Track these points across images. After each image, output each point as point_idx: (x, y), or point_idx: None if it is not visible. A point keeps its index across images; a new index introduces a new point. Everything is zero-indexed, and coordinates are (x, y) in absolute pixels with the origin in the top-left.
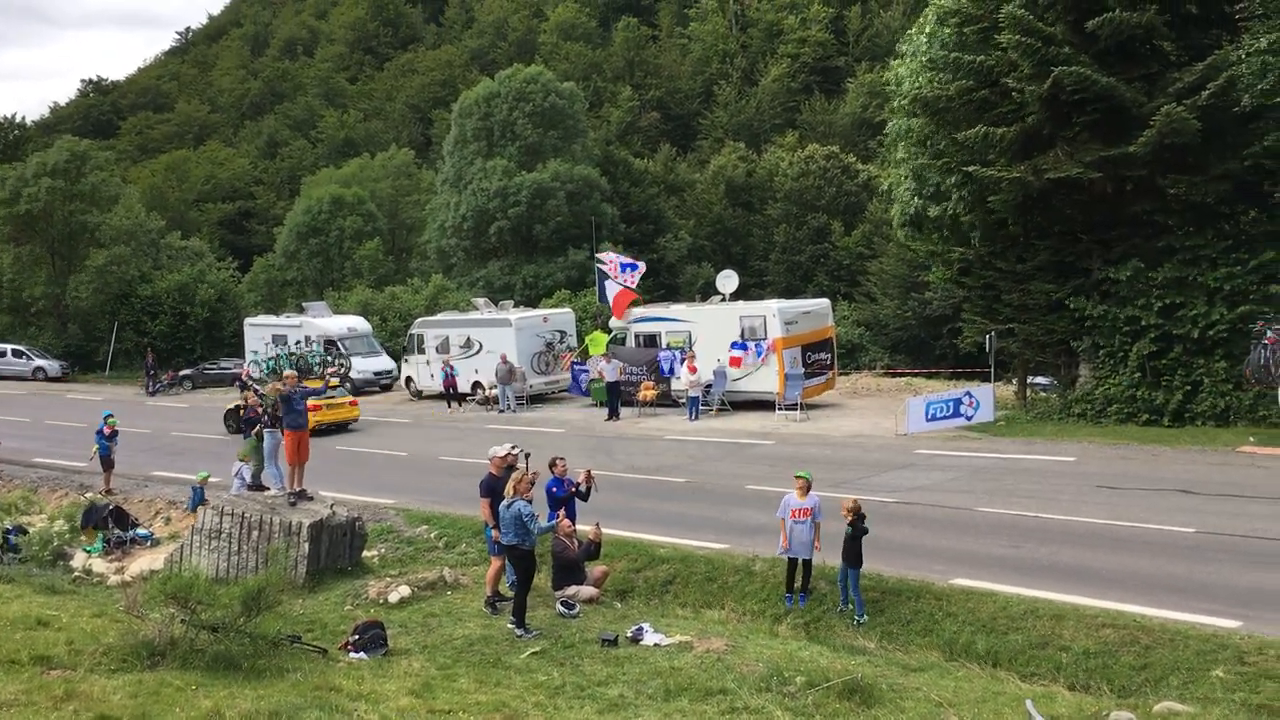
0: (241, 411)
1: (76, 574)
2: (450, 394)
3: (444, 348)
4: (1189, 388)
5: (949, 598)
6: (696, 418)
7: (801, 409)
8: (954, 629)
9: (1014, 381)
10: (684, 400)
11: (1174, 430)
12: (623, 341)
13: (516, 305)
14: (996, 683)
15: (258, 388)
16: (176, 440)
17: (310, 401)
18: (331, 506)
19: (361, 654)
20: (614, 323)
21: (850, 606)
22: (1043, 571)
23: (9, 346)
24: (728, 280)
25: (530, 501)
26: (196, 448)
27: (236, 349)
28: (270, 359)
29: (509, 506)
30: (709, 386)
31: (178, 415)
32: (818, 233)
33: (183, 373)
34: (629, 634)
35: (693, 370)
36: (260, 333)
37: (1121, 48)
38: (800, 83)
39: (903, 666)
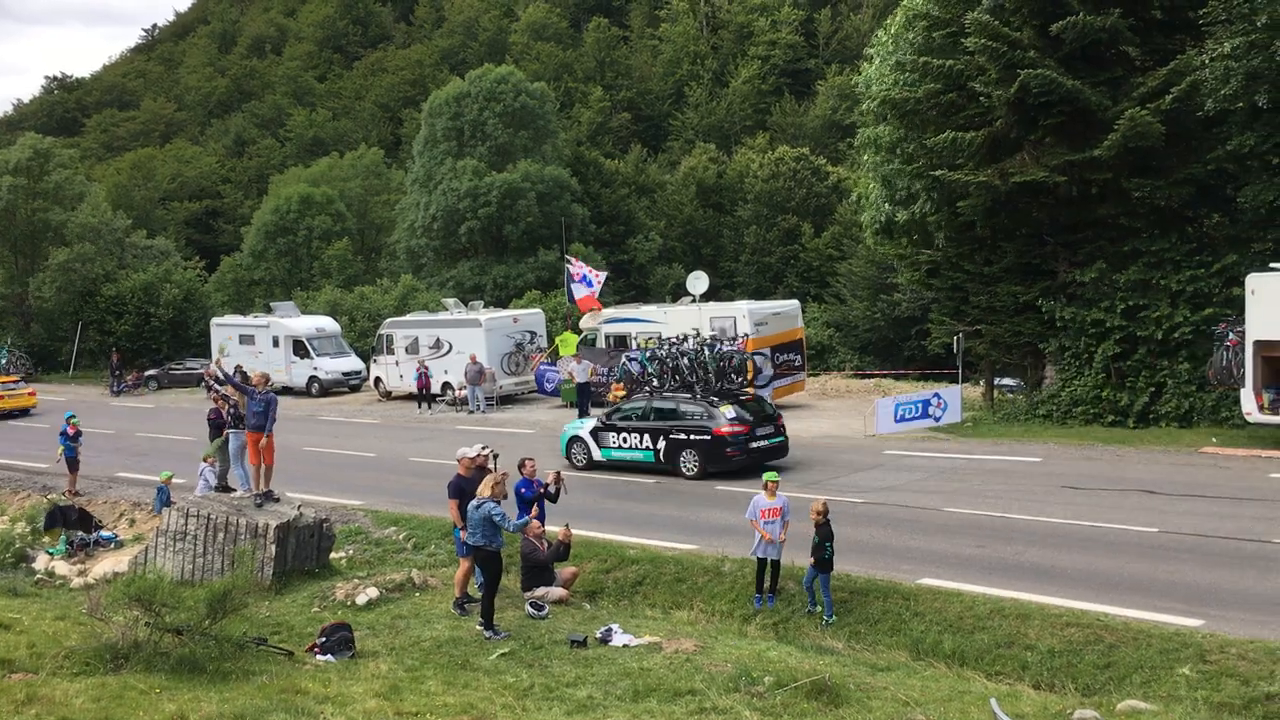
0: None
1: (39, 576)
2: (423, 395)
3: (413, 348)
4: (1153, 389)
5: (916, 597)
6: None
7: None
8: (921, 629)
9: (981, 383)
10: None
11: (1138, 431)
12: (593, 343)
13: (486, 306)
14: (963, 682)
15: (219, 388)
16: (141, 441)
17: None
18: (299, 508)
19: (328, 656)
20: (584, 323)
21: (819, 609)
22: (1009, 571)
23: None
24: (698, 281)
25: (499, 502)
26: (161, 448)
27: (203, 349)
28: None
29: (478, 507)
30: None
31: (143, 416)
32: (788, 234)
33: (148, 373)
34: (598, 635)
35: None
36: (227, 333)
37: (1086, 52)
38: (771, 85)
39: (870, 666)
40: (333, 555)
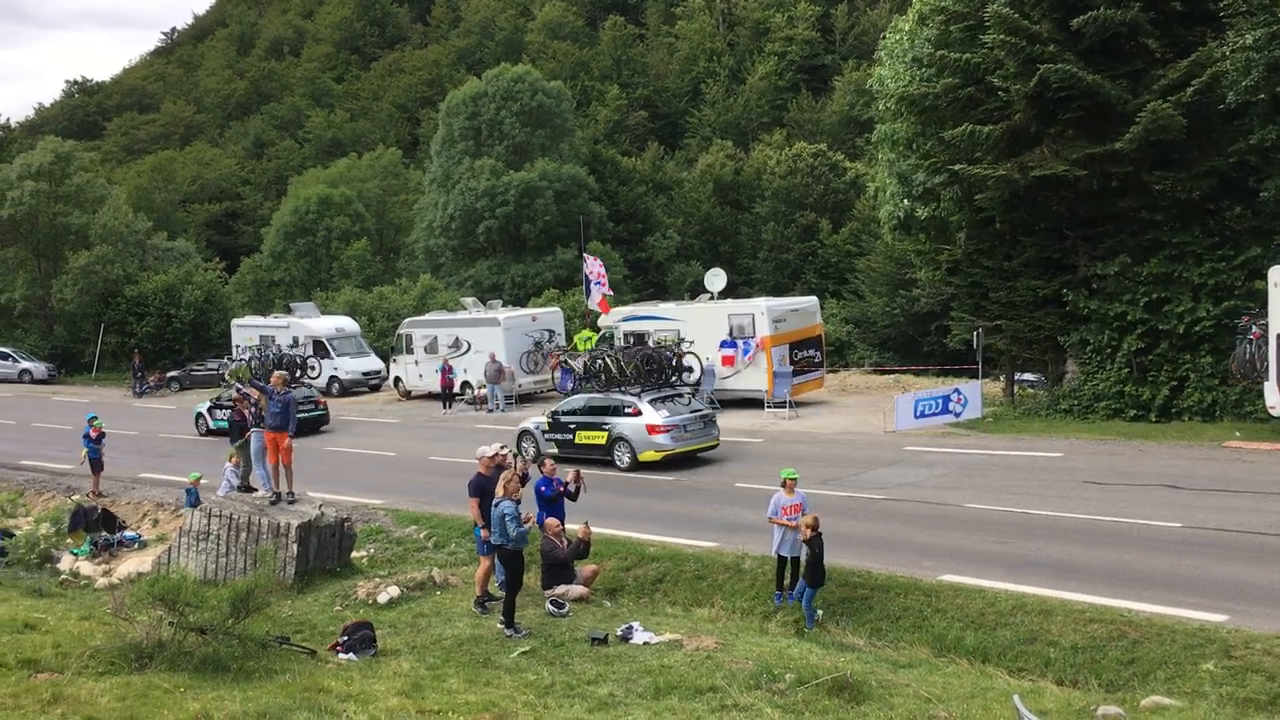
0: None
1: (64, 577)
2: (447, 394)
3: (432, 348)
4: (1175, 383)
5: (938, 594)
6: None
7: (790, 407)
8: (943, 625)
9: (1002, 378)
10: None
11: (1160, 425)
12: (611, 340)
13: (505, 305)
14: (985, 678)
15: (242, 387)
16: (164, 442)
17: None
18: (320, 507)
19: (350, 655)
20: (602, 321)
21: (816, 627)
22: (1030, 567)
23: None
24: (716, 279)
25: (519, 501)
26: (184, 449)
27: (224, 350)
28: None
29: (496, 506)
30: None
31: (165, 417)
32: (806, 231)
33: (170, 374)
34: (619, 632)
35: None
36: (247, 333)
37: (1106, 45)
38: (788, 81)
39: (892, 663)
40: (354, 554)
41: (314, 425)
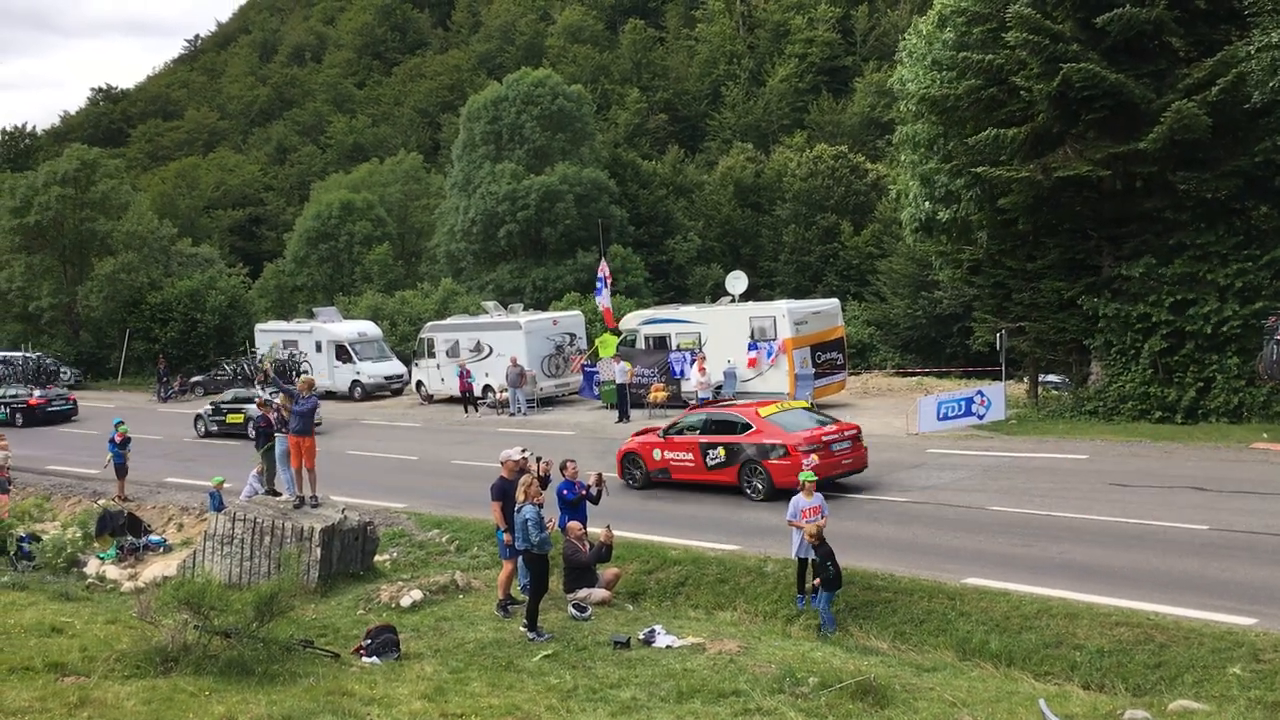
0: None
1: (90, 581)
2: (466, 398)
3: (454, 352)
4: (1201, 384)
5: (962, 597)
6: None
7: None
8: (967, 628)
9: (1025, 380)
10: (694, 401)
11: (1187, 427)
12: (633, 344)
13: (526, 308)
14: (1010, 682)
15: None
16: (188, 446)
17: None
18: (343, 511)
19: (374, 658)
20: (623, 324)
21: (836, 631)
22: (1056, 570)
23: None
24: (737, 281)
25: (541, 505)
26: (209, 454)
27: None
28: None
29: (519, 511)
30: (719, 387)
31: (189, 422)
32: (827, 233)
33: (194, 379)
34: (641, 636)
35: (702, 371)
36: (271, 338)
37: (1130, 44)
38: (808, 83)
39: (916, 667)
40: (377, 558)
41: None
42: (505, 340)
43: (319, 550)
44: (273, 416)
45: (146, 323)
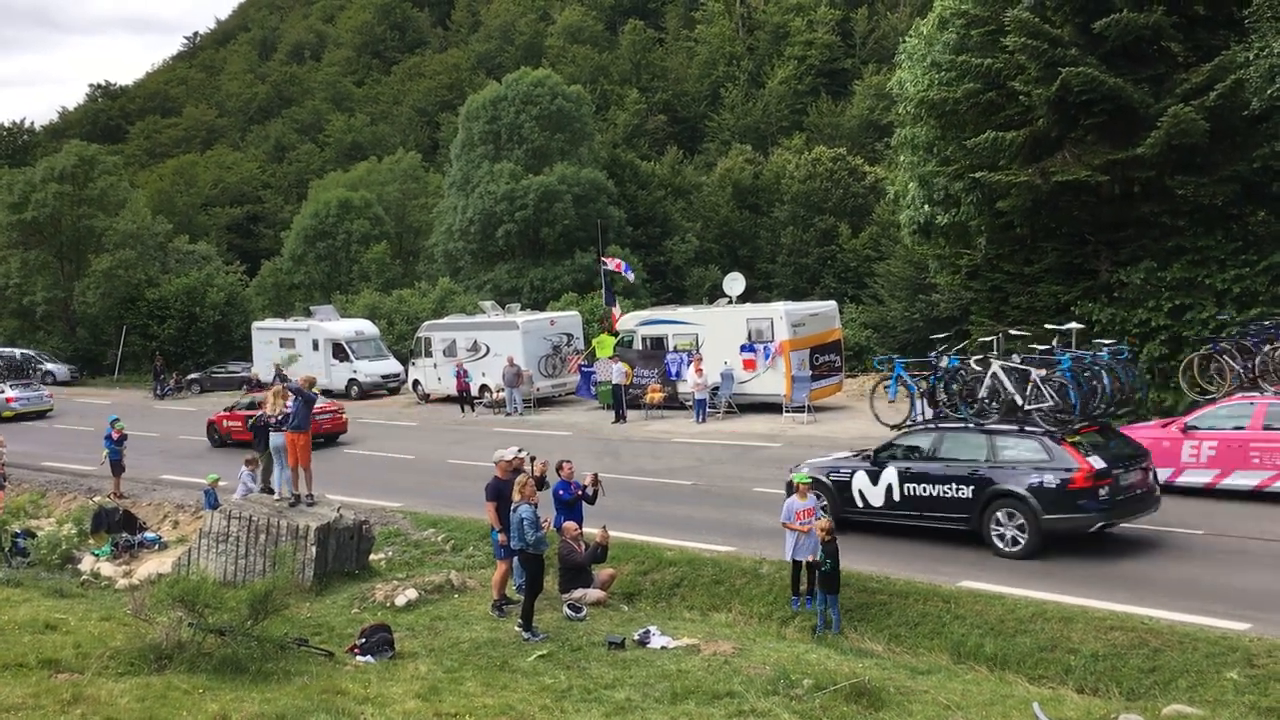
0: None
1: (84, 577)
2: (463, 397)
3: (451, 351)
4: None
5: (957, 600)
6: (703, 420)
7: (809, 411)
8: (962, 631)
9: None
10: (691, 403)
11: None
12: (630, 345)
13: (523, 308)
14: (1004, 685)
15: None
16: (185, 444)
17: None
18: (339, 509)
19: (368, 657)
20: (620, 325)
21: (829, 630)
22: (1051, 574)
23: (18, 351)
24: (735, 283)
25: (536, 505)
26: (204, 452)
27: (246, 353)
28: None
29: (515, 511)
30: (716, 389)
31: (186, 419)
32: (825, 235)
33: (190, 376)
34: (636, 637)
35: (699, 373)
36: (268, 336)
37: (1128, 49)
38: (807, 85)
39: (910, 669)
40: (372, 557)
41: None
42: (502, 340)
43: (314, 548)
44: (275, 419)
45: (143, 320)
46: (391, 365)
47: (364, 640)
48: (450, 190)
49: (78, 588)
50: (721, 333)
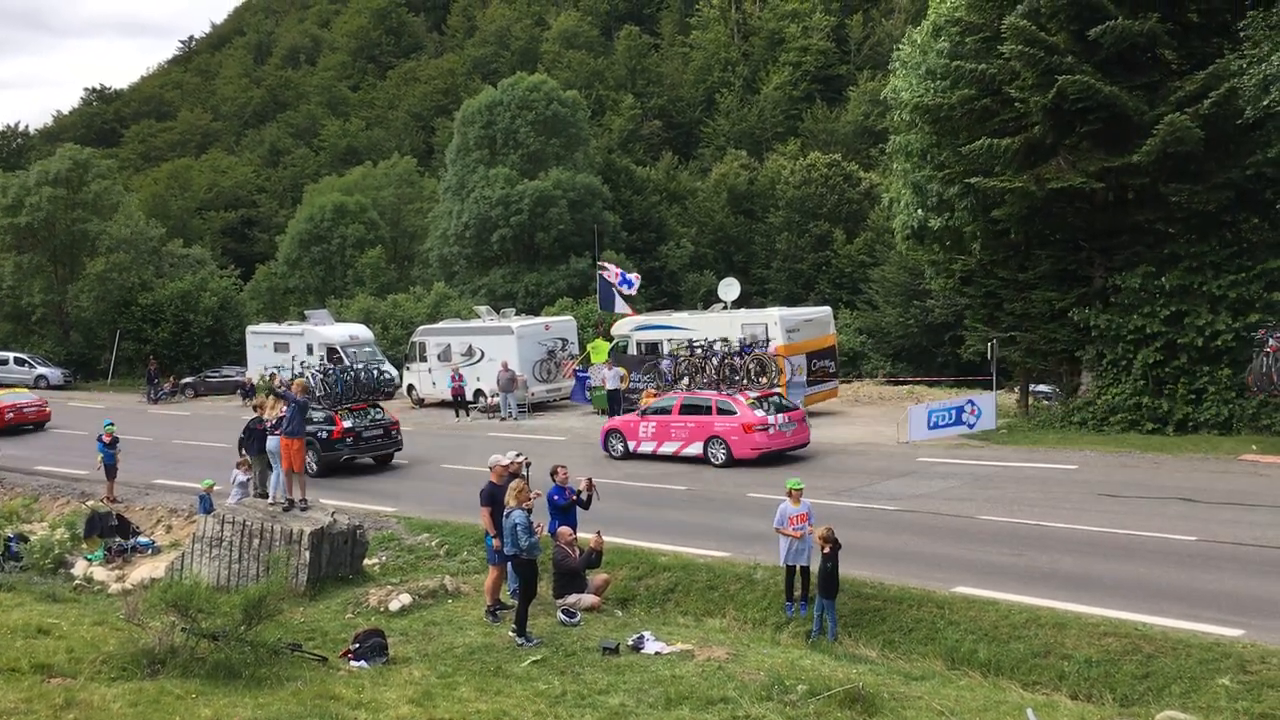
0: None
1: (78, 582)
2: (458, 402)
3: (446, 356)
4: (1193, 396)
5: (951, 606)
6: None
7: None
8: (956, 637)
9: (1016, 389)
10: None
11: (1176, 439)
12: (625, 349)
13: (518, 313)
14: (998, 691)
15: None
16: (178, 448)
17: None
18: (333, 514)
19: (362, 662)
20: (615, 330)
21: (824, 635)
22: (1045, 580)
23: (11, 354)
24: (730, 288)
25: (530, 511)
26: (198, 456)
27: (240, 357)
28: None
29: (508, 516)
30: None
31: (179, 423)
32: (819, 240)
33: (184, 380)
34: (630, 642)
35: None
36: (262, 340)
37: (1123, 56)
38: (802, 91)
39: (904, 675)
40: (366, 562)
41: None
42: (497, 345)
43: (308, 553)
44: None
45: (137, 324)
46: (386, 370)
47: (358, 645)
48: (445, 195)
49: (70, 592)
50: (716, 338)
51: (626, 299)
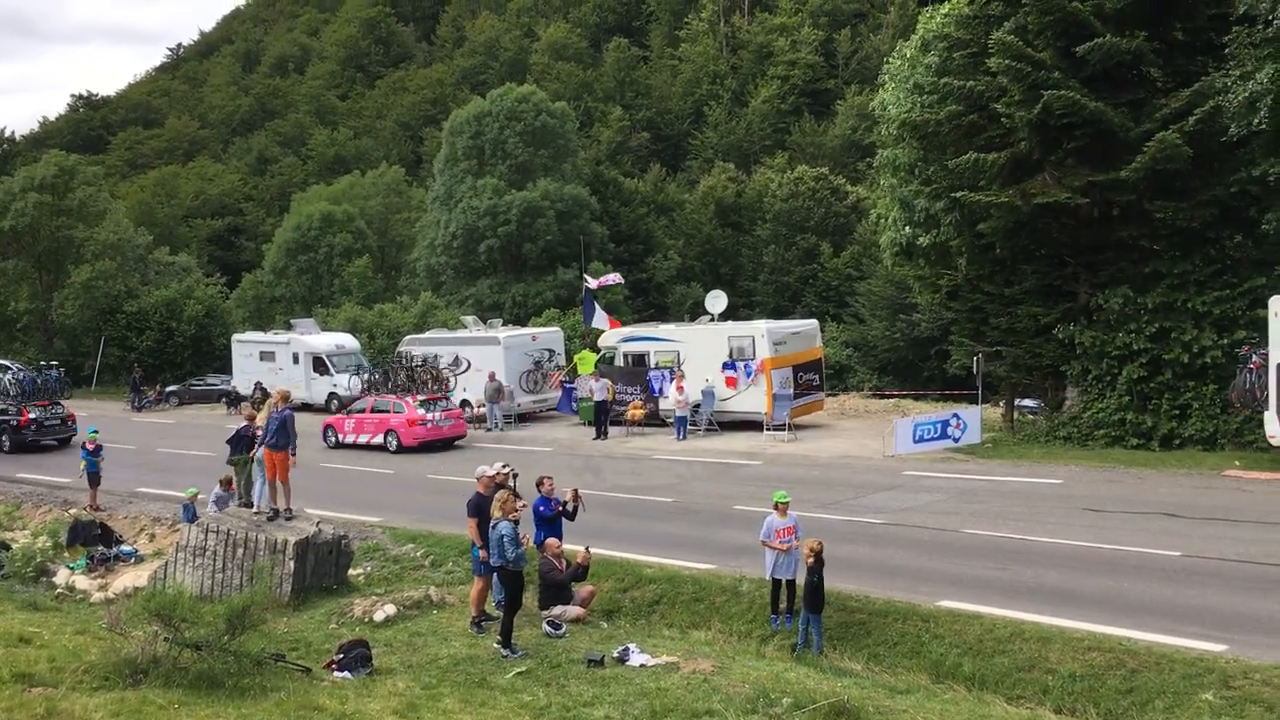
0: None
1: (59, 591)
2: None
3: None
4: (1177, 412)
5: (936, 619)
6: (684, 438)
7: (790, 430)
8: (940, 651)
9: (1001, 404)
10: (672, 420)
11: (1160, 454)
12: (611, 361)
13: (505, 324)
14: (982, 705)
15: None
16: (162, 456)
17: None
18: (317, 524)
19: (346, 673)
20: (602, 341)
21: (809, 649)
22: (1029, 594)
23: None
24: (716, 300)
25: (517, 522)
26: (182, 464)
27: (225, 365)
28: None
29: (494, 527)
30: (697, 406)
31: (164, 431)
32: (806, 254)
33: (169, 388)
34: (615, 654)
35: (680, 390)
36: (248, 349)
37: (1109, 73)
38: (790, 104)
39: (889, 689)
40: (351, 572)
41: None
42: (484, 355)
43: (292, 563)
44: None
45: (122, 331)
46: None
47: (342, 656)
48: (433, 205)
49: (52, 601)
50: (703, 350)
51: (607, 309)
